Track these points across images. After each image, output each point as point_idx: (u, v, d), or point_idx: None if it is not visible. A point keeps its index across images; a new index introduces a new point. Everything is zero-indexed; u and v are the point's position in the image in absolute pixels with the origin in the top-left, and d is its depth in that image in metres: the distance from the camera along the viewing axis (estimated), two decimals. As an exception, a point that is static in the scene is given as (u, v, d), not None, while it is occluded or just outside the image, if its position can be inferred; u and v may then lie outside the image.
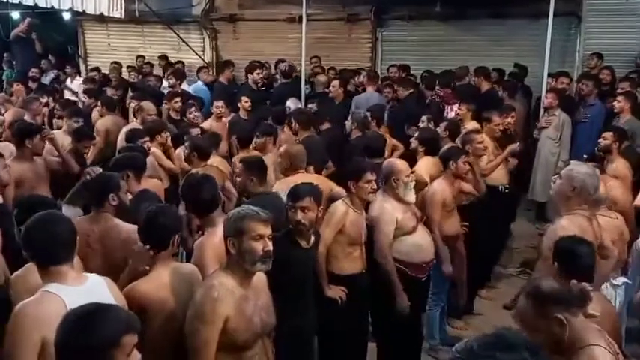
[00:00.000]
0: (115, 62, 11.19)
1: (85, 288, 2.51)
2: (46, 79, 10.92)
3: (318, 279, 3.93)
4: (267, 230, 2.74)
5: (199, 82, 9.72)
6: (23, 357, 2.32)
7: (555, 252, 3.03)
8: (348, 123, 6.54)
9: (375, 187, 4.09)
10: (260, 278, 2.84)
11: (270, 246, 2.72)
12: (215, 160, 5.34)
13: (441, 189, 4.76)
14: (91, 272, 2.72)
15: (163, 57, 11.34)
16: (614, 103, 6.78)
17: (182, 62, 11.07)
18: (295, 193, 3.60)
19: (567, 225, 3.49)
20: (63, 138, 5.95)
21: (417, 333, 4.55)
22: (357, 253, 4.09)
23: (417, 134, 5.69)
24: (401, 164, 4.35)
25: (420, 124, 6.33)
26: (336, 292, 3.95)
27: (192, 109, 7.02)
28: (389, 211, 4.17)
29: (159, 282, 2.89)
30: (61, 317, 2.03)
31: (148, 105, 6.80)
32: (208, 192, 3.49)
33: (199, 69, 10.32)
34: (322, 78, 8.99)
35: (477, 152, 5.34)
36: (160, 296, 2.84)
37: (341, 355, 4.13)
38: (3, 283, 3.80)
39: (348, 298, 3.97)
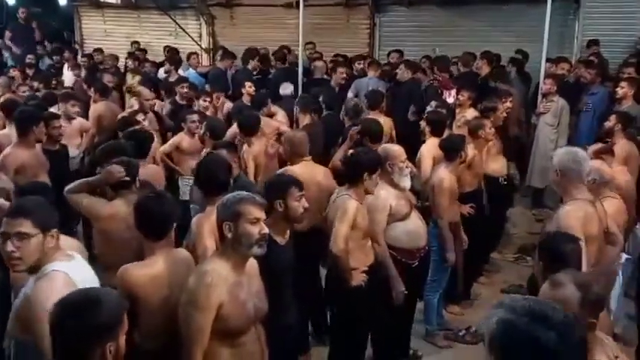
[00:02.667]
0: (98, 49, 11.17)
1: (76, 261, 2.62)
2: (43, 66, 10.86)
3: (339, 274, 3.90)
4: (262, 214, 2.74)
5: (191, 70, 9.72)
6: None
7: (539, 251, 2.98)
8: (342, 111, 6.51)
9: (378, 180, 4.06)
10: (252, 264, 2.83)
11: (266, 229, 2.71)
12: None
13: (448, 176, 4.72)
14: None
15: (168, 47, 11.27)
16: (617, 89, 6.72)
17: (176, 49, 11.03)
18: (298, 182, 3.54)
19: (572, 211, 3.49)
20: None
21: (406, 317, 4.54)
22: (368, 245, 4.07)
23: (425, 115, 5.79)
24: (396, 149, 4.30)
25: (428, 109, 6.32)
26: (358, 277, 3.93)
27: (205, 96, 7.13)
28: (383, 197, 4.13)
29: (153, 269, 2.89)
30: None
31: (144, 91, 6.78)
32: (224, 174, 3.69)
33: (189, 55, 10.27)
34: (319, 64, 8.96)
35: (487, 137, 5.37)
36: (155, 283, 2.84)
37: (356, 344, 4.14)
38: None
39: (368, 289, 3.94)
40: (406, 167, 4.23)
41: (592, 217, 3.51)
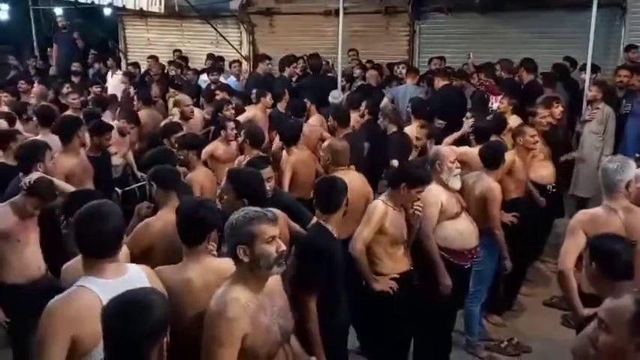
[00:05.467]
0: (152, 56, 11.31)
1: (123, 280, 2.50)
2: (91, 73, 11.11)
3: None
4: (277, 230, 2.59)
5: (232, 77, 9.87)
6: (47, 353, 2.33)
7: (591, 252, 2.93)
8: (380, 119, 6.49)
9: (419, 199, 4.02)
10: (274, 279, 2.68)
11: (283, 246, 2.58)
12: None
13: (497, 185, 4.66)
14: None
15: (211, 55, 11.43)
16: None
17: (222, 57, 11.20)
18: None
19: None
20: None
21: (451, 321, 4.53)
22: (400, 252, 4.07)
23: (472, 122, 5.75)
24: (447, 149, 4.35)
25: (464, 120, 6.23)
26: (386, 284, 3.93)
27: (230, 105, 7.08)
28: (434, 193, 4.17)
29: (184, 274, 2.85)
30: (103, 309, 2.07)
31: (184, 98, 6.91)
32: (261, 184, 3.72)
33: (230, 63, 10.47)
34: (373, 73, 9.00)
35: (527, 145, 5.27)
36: (184, 288, 2.80)
37: (385, 350, 4.14)
38: (44, 273, 3.95)
39: (397, 296, 3.94)
40: (456, 168, 4.23)
41: (606, 224, 3.45)
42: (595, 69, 8.17)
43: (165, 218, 3.59)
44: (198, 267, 2.88)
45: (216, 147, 6.02)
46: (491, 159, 4.74)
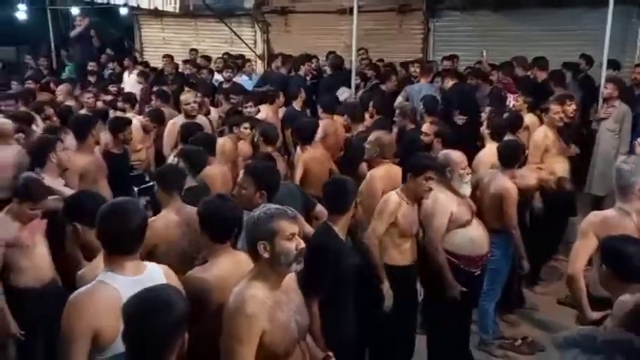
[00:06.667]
0: (167, 55, 11.38)
1: (142, 277, 2.54)
2: (107, 73, 11.22)
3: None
4: (297, 227, 2.60)
5: (244, 76, 9.88)
6: (73, 347, 2.37)
7: (602, 254, 2.91)
8: (397, 117, 6.49)
9: (433, 185, 4.02)
10: (290, 277, 2.70)
11: (302, 244, 2.59)
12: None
13: (513, 185, 4.63)
14: None
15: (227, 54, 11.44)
16: None
17: (242, 56, 11.23)
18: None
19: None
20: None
21: (467, 327, 4.50)
22: (407, 245, 4.08)
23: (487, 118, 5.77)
24: (457, 155, 4.26)
25: (483, 114, 6.26)
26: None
27: (249, 103, 7.09)
28: (442, 202, 4.12)
29: (220, 271, 2.92)
30: (124, 305, 2.12)
31: (186, 96, 6.79)
32: (277, 176, 3.75)
33: (243, 63, 10.51)
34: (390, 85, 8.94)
35: (553, 122, 5.46)
36: (219, 285, 2.85)
37: (389, 345, 4.16)
38: (53, 277, 3.98)
39: (397, 290, 3.98)
40: (467, 174, 4.21)
41: (618, 227, 3.36)
42: (616, 66, 8.10)
43: (166, 219, 3.65)
44: (229, 262, 2.96)
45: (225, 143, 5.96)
46: (509, 158, 4.73)
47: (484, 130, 5.54)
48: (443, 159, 4.24)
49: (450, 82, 7.90)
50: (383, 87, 8.45)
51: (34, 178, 3.95)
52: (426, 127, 5.74)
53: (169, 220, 3.64)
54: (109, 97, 8.45)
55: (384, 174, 4.57)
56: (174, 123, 6.29)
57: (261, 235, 2.53)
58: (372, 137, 4.85)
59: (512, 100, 7.21)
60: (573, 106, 6.12)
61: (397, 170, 4.49)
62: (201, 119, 6.46)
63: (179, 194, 3.80)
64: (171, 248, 3.50)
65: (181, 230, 3.60)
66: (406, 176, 4.06)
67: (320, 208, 4.27)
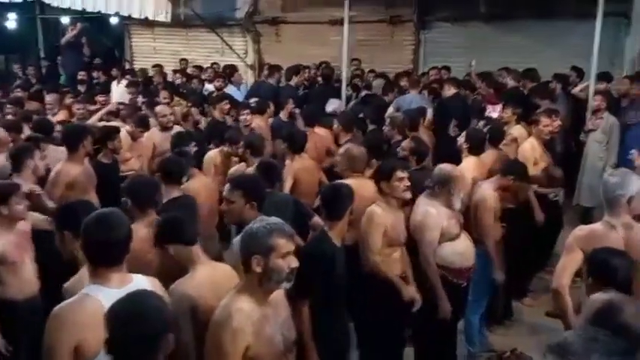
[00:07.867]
0: (157, 65, 11.35)
1: (128, 289, 2.47)
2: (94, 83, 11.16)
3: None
4: (292, 246, 2.57)
5: (231, 86, 9.84)
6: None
7: (589, 266, 2.90)
8: (387, 127, 6.48)
9: (408, 183, 4.03)
10: (278, 291, 2.67)
11: (295, 263, 2.55)
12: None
13: (491, 194, 4.64)
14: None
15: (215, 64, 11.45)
16: None
17: (232, 65, 11.22)
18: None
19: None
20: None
21: (453, 338, 4.50)
22: (396, 255, 4.07)
23: (465, 132, 5.68)
24: (459, 173, 4.27)
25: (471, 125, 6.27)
26: (412, 293, 4.04)
27: (245, 110, 7.02)
28: (434, 216, 4.11)
29: (203, 277, 2.95)
30: (106, 313, 2.09)
31: (161, 109, 6.77)
32: (264, 186, 3.74)
33: (232, 72, 10.44)
34: (379, 82, 9.00)
35: (540, 134, 5.51)
36: (209, 289, 2.86)
37: (377, 356, 4.13)
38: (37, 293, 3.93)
39: (386, 300, 3.96)
40: (461, 189, 4.22)
41: (603, 241, 3.30)
42: (608, 78, 8.13)
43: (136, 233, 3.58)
44: (209, 267, 3.02)
45: (215, 156, 5.95)
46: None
47: (462, 144, 5.43)
48: (446, 175, 4.20)
49: (451, 90, 7.88)
50: (386, 98, 8.44)
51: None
52: (404, 143, 5.73)
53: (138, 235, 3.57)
54: (95, 107, 8.36)
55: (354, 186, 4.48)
56: (149, 137, 6.37)
57: (256, 249, 2.50)
58: (342, 150, 4.87)
59: (493, 112, 7.22)
60: (558, 122, 6.14)
61: (367, 184, 4.44)
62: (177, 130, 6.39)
63: (154, 208, 3.73)
64: (138, 263, 3.42)
65: (149, 244, 3.49)
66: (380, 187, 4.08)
67: (316, 219, 4.26)
